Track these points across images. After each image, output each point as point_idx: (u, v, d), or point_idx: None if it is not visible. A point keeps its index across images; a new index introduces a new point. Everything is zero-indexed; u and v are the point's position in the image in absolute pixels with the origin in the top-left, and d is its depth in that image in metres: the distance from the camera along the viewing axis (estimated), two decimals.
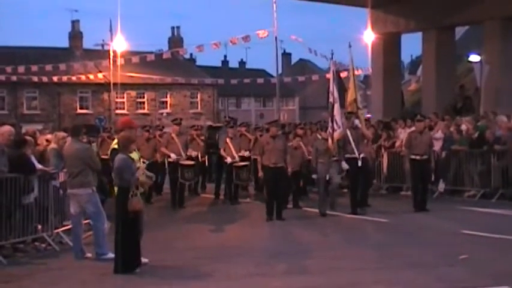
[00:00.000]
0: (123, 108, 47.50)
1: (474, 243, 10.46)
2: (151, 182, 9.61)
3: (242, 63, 67.07)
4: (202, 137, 19.02)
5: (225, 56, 65.78)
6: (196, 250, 10.54)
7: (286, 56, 66.42)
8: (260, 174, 14.19)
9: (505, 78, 26.05)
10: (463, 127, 17.31)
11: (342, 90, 15.61)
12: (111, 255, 9.24)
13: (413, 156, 14.35)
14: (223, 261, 9.55)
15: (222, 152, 16.67)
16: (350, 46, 15.69)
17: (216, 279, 8.50)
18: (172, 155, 15.79)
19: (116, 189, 9.10)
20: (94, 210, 9.98)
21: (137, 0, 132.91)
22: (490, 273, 8.32)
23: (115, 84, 39.38)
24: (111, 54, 36.78)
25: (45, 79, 38.22)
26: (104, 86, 43.60)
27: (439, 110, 23.94)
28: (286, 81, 42.51)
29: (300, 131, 17.03)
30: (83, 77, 40.82)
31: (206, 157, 18.25)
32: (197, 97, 52.02)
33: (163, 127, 21.11)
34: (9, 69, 34.78)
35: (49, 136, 13.66)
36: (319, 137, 15.20)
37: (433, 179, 16.00)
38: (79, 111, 46.85)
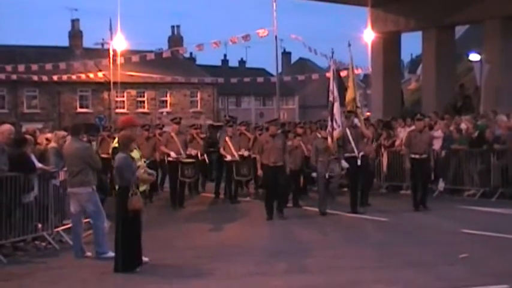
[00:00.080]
0: (123, 107, 47.50)
1: (474, 242, 10.47)
2: (153, 179, 9.62)
3: (242, 62, 67.09)
4: (202, 136, 19.03)
5: (225, 55, 65.90)
6: (196, 249, 10.55)
7: (286, 55, 66.45)
8: (259, 172, 14.20)
9: (505, 77, 26.05)
10: (463, 126, 17.32)
11: (342, 89, 15.61)
12: (111, 254, 9.25)
13: (412, 155, 14.35)
14: (224, 260, 9.56)
15: (221, 150, 16.69)
16: (349, 45, 15.71)
17: (216, 278, 8.50)
18: (172, 154, 15.81)
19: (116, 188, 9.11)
20: (94, 209, 9.98)
21: None
22: (489, 272, 8.33)
23: (115, 83, 39.44)
24: (111, 53, 36.83)
25: (45, 78, 38.27)
26: (104, 85, 43.64)
27: (439, 109, 23.94)
28: (286, 80, 42.58)
29: (299, 130, 17.07)
30: (83, 76, 40.88)
31: (206, 155, 18.25)
32: (197, 96, 52.03)
33: (163, 126, 21.11)
34: (9, 68, 34.82)
35: (49, 135, 13.67)
36: (319, 135, 15.20)
37: (432, 178, 16.02)
38: (79, 110, 46.85)
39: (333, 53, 15.80)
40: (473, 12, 27.27)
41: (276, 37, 26.69)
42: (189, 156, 16.08)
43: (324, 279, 8.36)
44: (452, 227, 11.85)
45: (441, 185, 16.73)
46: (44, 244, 10.82)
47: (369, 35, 31.26)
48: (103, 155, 16.03)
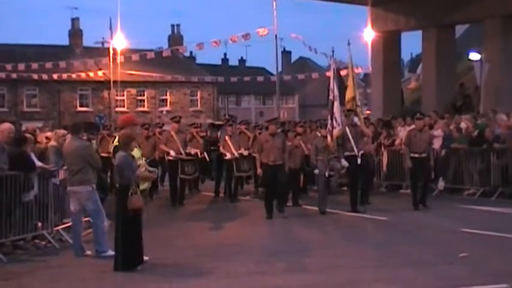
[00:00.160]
0: (123, 106, 47.50)
1: (473, 241, 10.47)
2: (155, 177, 9.63)
3: (242, 61, 67.10)
4: (202, 135, 19.05)
5: (225, 54, 65.95)
6: (196, 248, 10.55)
7: (286, 54, 66.51)
8: (259, 171, 14.20)
9: (505, 76, 26.04)
10: (463, 125, 17.32)
11: (342, 88, 15.63)
12: (111, 252, 9.25)
13: (412, 155, 14.35)
14: (223, 259, 9.56)
15: (221, 149, 16.70)
16: (349, 44, 15.72)
17: (216, 277, 8.51)
18: (172, 152, 15.82)
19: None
20: (94, 208, 9.98)
21: None
22: (489, 272, 8.33)
23: (115, 82, 39.39)
24: (111, 52, 36.79)
25: (45, 77, 38.28)
26: (104, 84, 43.65)
27: (439, 108, 23.92)
28: (286, 79, 42.64)
29: (299, 129, 17.08)
30: (83, 75, 40.89)
31: (206, 153, 18.27)
32: (197, 95, 52.02)
33: (163, 125, 21.11)
34: (9, 66, 34.84)
35: (49, 134, 13.67)
36: (319, 134, 15.21)
37: (432, 177, 16.01)
38: (79, 109, 46.87)
39: (333, 52, 15.84)
40: (473, 11, 27.26)
41: (276, 36, 26.74)
42: (189, 155, 16.10)
43: (323, 278, 8.36)
44: (452, 226, 11.85)
45: (441, 184, 16.73)
46: (43, 243, 10.82)
47: (369, 34, 31.25)
48: (103, 154, 16.03)
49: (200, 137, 18.08)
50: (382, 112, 28.82)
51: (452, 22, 29.36)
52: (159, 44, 49.45)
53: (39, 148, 11.96)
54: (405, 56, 61.80)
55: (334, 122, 14.30)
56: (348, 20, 50.70)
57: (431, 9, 28.08)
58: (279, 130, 15.10)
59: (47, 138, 13.01)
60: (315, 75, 41.28)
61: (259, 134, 16.54)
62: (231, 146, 16.37)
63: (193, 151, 16.35)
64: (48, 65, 34.61)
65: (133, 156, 9.13)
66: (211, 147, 18.37)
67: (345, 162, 14.18)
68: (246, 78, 39.31)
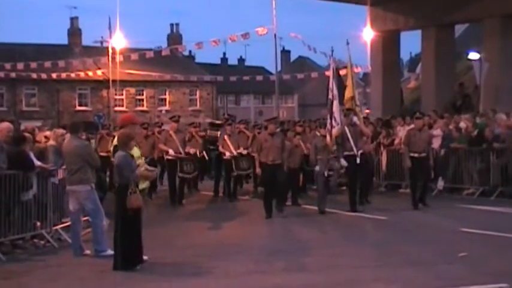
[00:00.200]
0: (122, 106, 47.49)
1: (473, 241, 10.46)
2: (154, 175, 9.62)
3: (241, 60, 67.07)
4: (201, 133, 19.04)
5: (224, 53, 65.93)
6: (195, 247, 10.53)
7: (286, 53, 66.50)
8: (258, 171, 14.19)
9: (505, 76, 26.05)
10: (462, 125, 17.31)
11: (342, 87, 15.61)
12: (110, 252, 9.24)
13: (412, 154, 14.34)
14: (223, 259, 9.55)
15: (220, 148, 16.69)
16: (348, 43, 15.70)
17: (216, 277, 8.49)
18: (171, 151, 15.83)
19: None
20: (92, 207, 9.97)
21: None
22: (489, 271, 8.32)
23: (114, 81, 39.29)
24: (110, 51, 36.74)
25: (44, 76, 38.24)
26: (103, 83, 43.58)
27: (438, 107, 23.92)
28: (285, 79, 42.59)
29: (299, 129, 17.06)
30: (82, 74, 40.83)
31: (205, 152, 18.28)
32: (196, 94, 52.02)
33: (162, 124, 21.10)
34: (8, 66, 34.79)
35: (48, 133, 13.67)
36: (318, 134, 15.20)
37: (432, 176, 16.01)
38: (78, 108, 46.87)
39: (332, 51, 15.82)
40: (472, 11, 27.27)
41: (275, 35, 26.72)
42: (188, 154, 16.09)
43: (322, 277, 8.34)
44: (452, 225, 11.84)
45: (440, 183, 16.72)
46: (42, 242, 10.81)
47: (368, 34, 31.24)
48: (102, 153, 16.05)
49: (199, 136, 18.06)
50: (382, 111, 28.82)
51: (451, 21, 29.37)
52: (158, 43, 49.58)
53: (38, 148, 11.95)
54: (404, 56, 61.94)
55: (333, 121, 14.29)
56: (347, 19, 50.79)
57: (431, 8, 28.09)
58: (278, 129, 15.08)
59: (45, 137, 13.00)
60: (314, 74, 41.25)
61: (259, 133, 16.54)
62: (230, 146, 16.38)
63: (191, 151, 16.35)
64: (47, 64, 34.57)
65: (132, 156, 9.12)
66: (211, 147, 18.36)
67: (344, 162, 14.17)
68: (245, 78, 39.28)
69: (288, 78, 43.00)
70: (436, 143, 16.46)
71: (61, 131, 12.09)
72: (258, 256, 9.69)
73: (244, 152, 16.37)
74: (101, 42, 45.69)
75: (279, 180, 13.59)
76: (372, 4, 30.13)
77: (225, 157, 16.49)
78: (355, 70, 29.83)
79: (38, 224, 10.79)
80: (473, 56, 25.62)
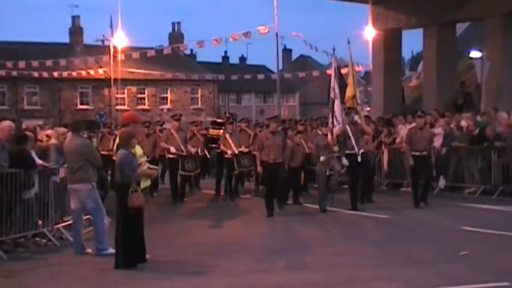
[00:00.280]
0: (124, 104, 47.49)
1: (474, 239, 10.46)
2: (156, 173, 9.62)
3: (243, 59, 66.98)
4: (203, 132, 19.05)
5: (226, 52, 65.78)
6: (196, 246, 10.54)
7: (287, 52, 66.38)
8: (259, 169, 14.20)
9: (506, 74, 26.04)
10: (464, 123, 17.30)
11: (343, 86, 15.60)
12: (112, 250, 9.25)
13: (413, 153, 14.34)
14: (224, 257, 9.56)
15: (221, 146, 16.70)
16: (349, 42, 15.69)
17: (217, 275, 8.50)
18: (172, 149, 15.86)
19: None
20: (93, 206, 9.98)
21: None
22: (490, 270, 8.32)
23: (115, 79, 39.38)
24: (112, 49, 36.77)
25: (45, 74, 38.24)
26: (105, 82, 43.60)
27: (439, 106, 23.92)
28: (286, 77, 42.51)
29: (300, 127, 17.06)
30: (84, 73, 40.83)
31: (206, 151, 18.29)
32: (198, 93, 52.01)
33: (163, 123, 21.10)
34: (9, 64, 34.78)
35: (49, 131, 13.67)
36: (320, 133, 15.20)
37: (433, 175, 16.00)
38: (79, 106, 46.87)
39: (334, 50, 15.86)
40: (474, 10, 27.25)
41: (276, 34, 26.64)
42: (189, 153, 16.11)
43: (324, 276, 8.35)
44: (453, 224, 11.84)
45: (442, 182, 16.72)
46: (44, 241, 10.81)
47: (369, 32, 31.24)
48: (103, 152, 16.02)
49: (200, 135, 18.07)
50: (383, 110, 28.80)
51: (453, 20, 29.34)
52: (159, 42, 49.39)
53: (40, 146, 11.96)
54: (406, 54, 61.92)
55: (334, 120, 14.28)
56: (349, 18, 50.83)
57: (432, 7, 28.06)
58: (279, 128, 15.08)
59: (47, 136, 13.01)
60: (315, 73, 41.18)
61: (260, 132, 16.55)
62: (232, 144, 16.39)
63: (192, 150, 16.35)
64: (49, 62, 34.58)
65: (134, 154, 9.13)
66: (212, 145, 18.37)
67: (345, 161, 14.16)
68: (247, 76, 39.25)
69: (289, 77, 42.92)
70: (437, 142, 16.46)
71: (62, 129, 12.09)
72: (259, 255, 9.70)
73: (246, 150, 16.37)
74: (103, 41, 45.78)
75: (280, 178, 13.59)
76: (373, 3, 30.12)
77: (226, 155, 16.50)
78: (357, 69, 29.88)
79: (40, 222, 10.79)
80: (475, 54, 25.61)
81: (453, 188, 16.66)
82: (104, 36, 45.70)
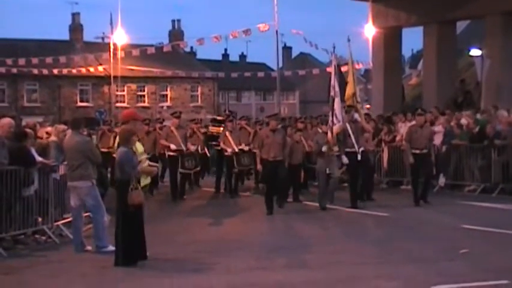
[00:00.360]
0: (124, 102, 47.48)
1: (474, 237, 10.46)
2: (156, 171, 9.61)
3: (243, 56, 66.93)
4: (203, 130, 19.04)
5: (226, 50, 65.72)
6: (196, 244, 10.54)
7: (287, 49, 66.38)
8: (259, 167, 14.19)
9: (506, 72, 26.02)
10: (464, 121, 17.30)
11: (343, 84, 15.59)
12: (111, 248, 9.25)
13: (413, 151, 14.33)
14: (224, 255, 9.55)
15: (221, 144, 16.70)
16: (349, 40, 15.68)
17: (217, 273, 8.49)
18: (172, 146, 15.87)
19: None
20: (93, 203, 9.98)
21: None
22: (490, 268, 8.32)
23: (115, 77, 39.40)
24: (112, 47, 36.75)
25: (45, 72, 38.17)
26: (104, 79, 43.60)
27: (439, 104, 23.90)
28: (286, 75, 42.45)
29: (300, 125, 17.05)
30: (83, 70, 40.80)
31: (206, 149, 18.28)
32: (197, 90, 51.99)
33: (163, 120, 21.10)
34: (9, 61, 34.72)
35: (49, 129, 13.67)
36: (320, 130, 15.20)
37: (434, 173, 16.00)
38: (79, 104, 46.85)
39: (334, 47, 15.78)
40: (474, 8, 27.22)
41: (276, 32, 26.63)
42: (188, 151, 16.12)
43: (324, 274, 8.34)
44: (453, 222, 11.84)
45: (442, 180, 16.72)
46: (44, 238, 10.82)
47: (369, 30, 31.20)
48: (103, 149, 16.03)
49: (200, 132, 18.06)
50: (383, 108, 28.78)
51: (453, 18, 29.30)
52: (159, 39, 49.26)
53: (40, 144, 11.94)
54: (406, 52, 61.91)
55: (334, 118, 14.28)
56: (349, 16, 50.82)
57: (432, 5, 28.04)
58: (279, 126, 15.08)
59: (47, 133, 13.00)
60: (315, 71, 41.12)
61: (260, 129, 16.54)
62: (232, 142, 16.38)
63: (192, 148, 16.35)
64: (49, 59, 34.51)
65: (134, 152, 9.12)
66: (212, 143, 18.37)
67: (345, 159, 14.16)
68: (247, 74, 39.19)
69: (289, 74, 42.90)
70: (437, 140, 16.45)
71: (62, 126, 12.08)
72: (259, 252, 9.70)
73: (246, 148, 16.37)
74: (103, 38, 45.73)
75: (280, 176, 13.60)
76: (373, 0, 30.10)
77: (226, 153, 16.49)
78: (357, 67, 29.80)
79: (40, 219, 10.80)
80: (475, 52, 25.61)
81: (453, 186, 16.66)
82: (103, 33, 45.73)
